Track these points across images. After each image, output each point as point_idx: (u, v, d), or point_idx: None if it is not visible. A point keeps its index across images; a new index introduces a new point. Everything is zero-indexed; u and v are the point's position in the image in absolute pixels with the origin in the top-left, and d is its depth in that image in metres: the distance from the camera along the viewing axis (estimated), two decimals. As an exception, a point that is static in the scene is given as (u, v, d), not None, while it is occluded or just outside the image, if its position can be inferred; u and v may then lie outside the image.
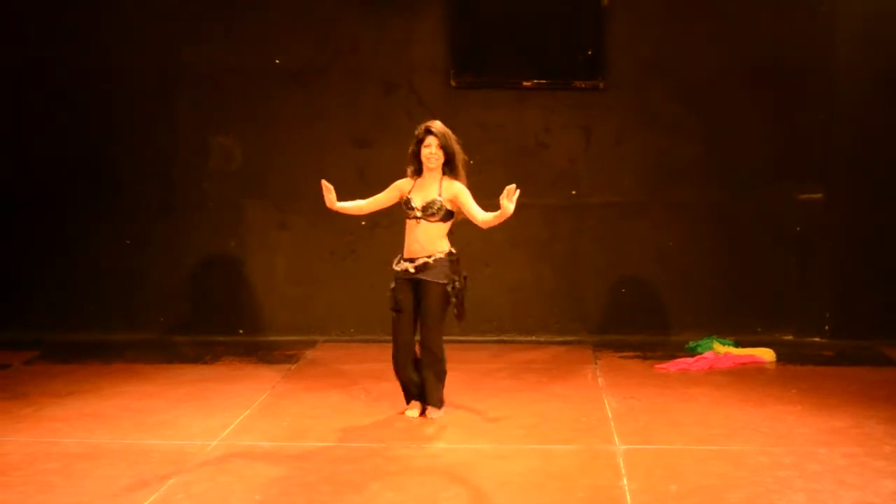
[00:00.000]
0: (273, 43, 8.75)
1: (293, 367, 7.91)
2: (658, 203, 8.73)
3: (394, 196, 6.55)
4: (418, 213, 6.36)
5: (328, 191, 6.46)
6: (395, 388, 6.65)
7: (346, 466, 5.60)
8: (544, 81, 8.62)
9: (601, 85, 8.59)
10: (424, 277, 6.36)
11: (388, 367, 7.63)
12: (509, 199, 5.92)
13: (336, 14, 8.73)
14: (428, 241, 6.38)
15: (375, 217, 8.49)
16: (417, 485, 5.34)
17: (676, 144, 8.67)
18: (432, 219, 6.35)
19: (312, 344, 8.65)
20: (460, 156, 6.47)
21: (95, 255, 8.89)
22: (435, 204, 6.34)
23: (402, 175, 6.57)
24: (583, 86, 8.63)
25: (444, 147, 6.39)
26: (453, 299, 6.37)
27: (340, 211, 6.59)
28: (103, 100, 8.81)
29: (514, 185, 5.94)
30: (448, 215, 6.39)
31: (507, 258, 8.80)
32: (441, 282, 6.36)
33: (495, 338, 8.79)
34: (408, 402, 6.63)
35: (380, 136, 8.67)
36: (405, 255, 6.44)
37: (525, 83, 8.64)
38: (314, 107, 8.76)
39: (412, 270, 6.37)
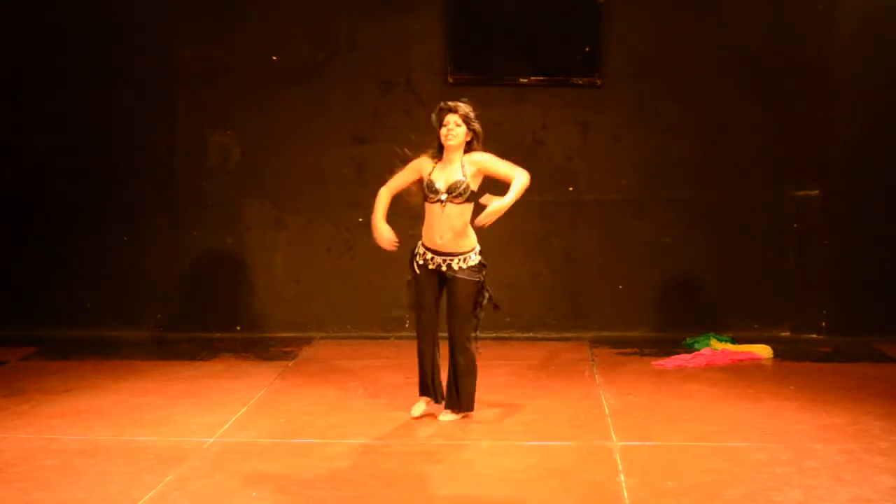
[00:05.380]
0: (271, 41, 8.76)
1: (290, 363, 7.91)
2: (655, 200, 8.74)
3: (412, 177, 6.18)
4: (443, 197, 6.04)
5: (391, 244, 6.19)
6: (393, 384, 6.65)
7: (343, 463, 5.60)
8: (542, 78, 8.63)
9: (598, 82, 8.60)
10: (458, 276, 6.12)
11: (386, 363, 7.68)
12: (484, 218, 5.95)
13: (334, 12, 8.74)
14: (454, 231, 6.06)
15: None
16: (415, 482, 5.34)
17: (674, 141, 8.69)
18: (457, 200, 6.03)
19: (309, 341, 8.65)
20: (481, 134, 6.17)
21: (93, 251, 8.89)
22: (460, 185, 6.04)
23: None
24: (580, 83, 8.63)
25: (466, 121, 6.07)
26: (487, 293, 6.18)
27: (382, 220, 6.20)
28: (102, 98, 8.80)
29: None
30: (472, 196, 6.09)
31: (505, 255, 8.77)
32: (474, 279, 6.16)
33: (493, 334, 8.75)
34: (422, 395, 6.36)
35: (378, 134, 8.66)
36: (429, 245, 6.13)
37: (522, 80, 8.65)
38: (312, 105, 8.77)
39: (444, 267, 6.12)
